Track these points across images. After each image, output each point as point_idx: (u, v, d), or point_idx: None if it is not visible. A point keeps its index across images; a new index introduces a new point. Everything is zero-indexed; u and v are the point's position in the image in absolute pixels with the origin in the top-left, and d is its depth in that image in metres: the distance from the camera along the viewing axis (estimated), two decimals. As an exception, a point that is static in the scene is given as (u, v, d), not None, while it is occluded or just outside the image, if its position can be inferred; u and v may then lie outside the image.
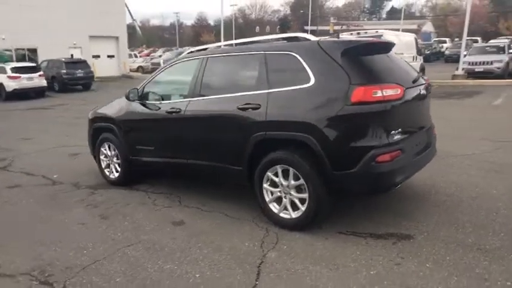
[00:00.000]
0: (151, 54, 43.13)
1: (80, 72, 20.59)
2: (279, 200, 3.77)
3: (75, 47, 26.45)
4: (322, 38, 3.74)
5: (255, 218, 3.99)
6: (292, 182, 3.59)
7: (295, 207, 3.65)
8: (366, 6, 71.92)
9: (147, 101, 4.79)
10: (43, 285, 3.02)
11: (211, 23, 77.77)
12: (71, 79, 20.37)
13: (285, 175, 3.64)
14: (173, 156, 4.56)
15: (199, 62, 4.34)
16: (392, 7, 70.22)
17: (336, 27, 56.12)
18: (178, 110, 4.34)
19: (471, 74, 16.38)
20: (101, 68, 26.66)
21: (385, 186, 3.45)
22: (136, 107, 4.86)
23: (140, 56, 38.85)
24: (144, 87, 4.85)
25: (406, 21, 51.86)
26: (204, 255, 3.34)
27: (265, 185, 3.80)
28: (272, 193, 3.79)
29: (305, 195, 3.53)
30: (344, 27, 51.56)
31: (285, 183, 3.65)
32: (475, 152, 5.96)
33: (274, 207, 3.79)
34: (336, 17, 59.83)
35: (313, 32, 55.26)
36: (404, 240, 3.41)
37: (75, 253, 3.50)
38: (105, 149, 5.41)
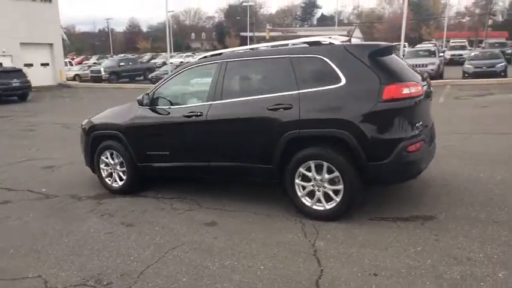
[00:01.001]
0: (84, 62, 41.15)
1: (15, 82, 19.12)
2: (310, 194, 4.01)
3: (4, 55, 24.47)
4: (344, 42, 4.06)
5: (283, 213, 4.19)
6: (326, 175, 3.86)
7: (328, 199, 3.92)
8: (298, 13, 74.85)
9: (158, 106, 4.78)
10: (109, 293, 2.98)
11: (144, 29, 76.02)
12: (6, 89, 18.81)
13: (317, 169, 3.90)
14: (192, 159, 4.61)
15: (218, 66, 4.45)
16: (322, 14, 73.98)
17: (272, 34, 57.73)
18: (199, 114, 4.41)
19: (409, 76, 17.90)
20: (35, 77, 24.75)
21: (413, 174, 3.85)
22: (147, 112, 4.82)
23: (75, 64, 36.84)
24: (154, 93, 4.83)
25: (337, 27, 54.81)
26: (256, 250, 3.48)
27: (297, 181, 4.02)
28: (304, 187, 4.02)
29: (339, 187, 3.81)
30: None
31: (318, 177, 3.90)
32: (449, 144, 6.67)
33: (306, 201, 4.02)
34: (271, 24, 61.55)
35: (251, 39, 56.30)
36: (429, 220, 3.83)
37: (122, 260, 3.45)
38: (107, 158, 5.26)
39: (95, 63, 37.23)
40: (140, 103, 4.79)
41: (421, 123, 3.81)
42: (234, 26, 65.97)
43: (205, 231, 3.96)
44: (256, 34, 56.88)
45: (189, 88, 5.07)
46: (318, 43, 4.14)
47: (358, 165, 3.72)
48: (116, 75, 27.11)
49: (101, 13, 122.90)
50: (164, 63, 40.26)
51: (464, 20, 57.21)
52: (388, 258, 3.19)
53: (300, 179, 4.02)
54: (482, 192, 4.45)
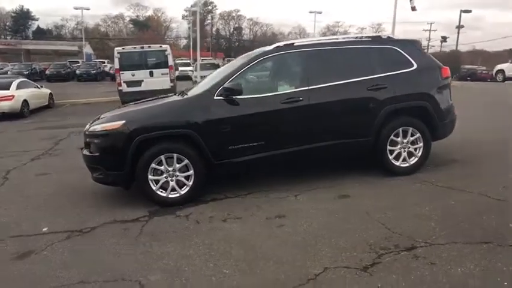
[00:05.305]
0: None
1: None
2: (396, 156, 4.99)
3: None
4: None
5: (376, 177, 4.95)
6: (411, 138, 4.98)
7: (410, 157, 5.03)
8: (8, 24, 64.03)
9: (244, 96, 4.50)
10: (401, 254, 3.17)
11: None
12: None
13: (403, 135, 4.95)
14: (292, 144, 4.63)
15: (303, 54, 4.76)
16: (39, 27, 66.13)
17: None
18: (299, 99, 4.57)
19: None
20: None
21: (453, 129, 5.46)
22: (228, 103, 4.46)
23: None
24: (232, 83, 4.48)
25: (69, 42, 50.97)
26: (420, 199, 4.23)
27: (388, 147, 4.93)
28: (392, 152, 4.97)
29: (419, 145, 5.01)
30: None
31: (404, 140, 4.96)
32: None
33: (395, 162, 4.99)
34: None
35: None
36: (463, 162, 5.51)
37: (363, 236, 3.49)
38: (159, 164, 4.37)
39: None
40: (229, 93, 4.38)
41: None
42: None
43: (355, 203, 4.27)
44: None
45: (273, 75, 4.92)
46: (378, 37, 5.21)
47: (431, 125, 5.03)
48: None
49: None
50: None
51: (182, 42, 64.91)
52: (490, 180, 4.68)
53: (389, 144, 4.94)
54: (483, 147, 6.36)
